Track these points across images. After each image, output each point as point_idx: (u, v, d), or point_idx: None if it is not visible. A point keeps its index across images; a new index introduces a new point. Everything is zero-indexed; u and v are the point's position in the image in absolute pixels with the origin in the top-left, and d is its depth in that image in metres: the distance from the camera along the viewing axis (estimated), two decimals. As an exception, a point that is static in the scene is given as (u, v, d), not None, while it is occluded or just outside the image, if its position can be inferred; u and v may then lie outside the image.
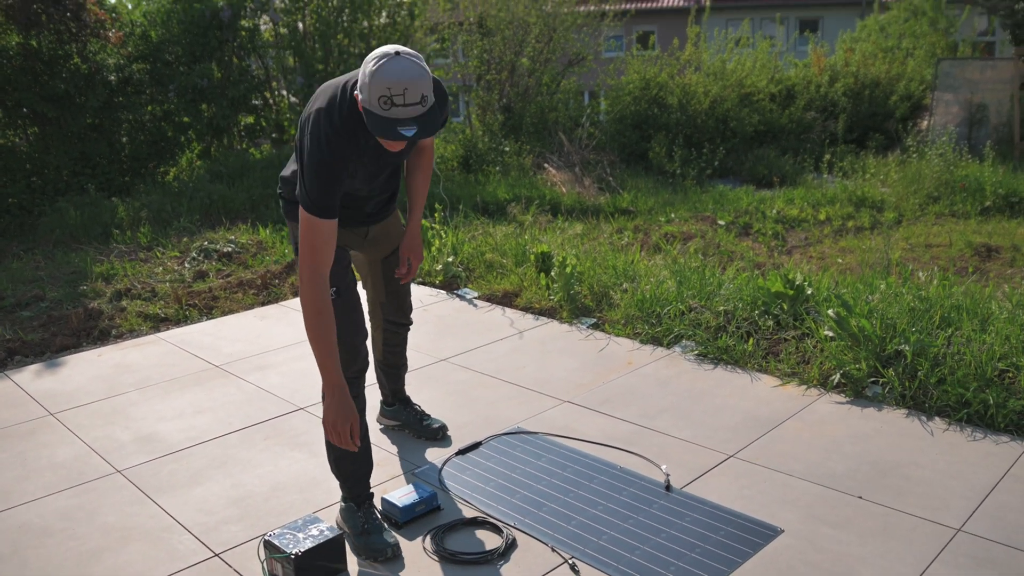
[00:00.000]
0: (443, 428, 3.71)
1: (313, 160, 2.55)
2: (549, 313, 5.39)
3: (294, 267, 3.04)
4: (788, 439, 3.58)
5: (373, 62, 2.44)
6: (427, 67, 2.47)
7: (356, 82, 2.58)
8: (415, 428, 3.72)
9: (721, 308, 4.84)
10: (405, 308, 3.54)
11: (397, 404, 3.77)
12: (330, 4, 12.66)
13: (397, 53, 2.45)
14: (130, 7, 12.33)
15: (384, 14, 13.04)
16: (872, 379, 4.01)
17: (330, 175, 2.56)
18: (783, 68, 17.19)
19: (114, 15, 11.73)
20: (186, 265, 6.96)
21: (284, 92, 13.40)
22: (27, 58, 10.78)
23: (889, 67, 16.98)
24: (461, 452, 3.56)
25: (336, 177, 2.57)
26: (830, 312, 4.27)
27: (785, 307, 4.71)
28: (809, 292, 4.74)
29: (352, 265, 3.10)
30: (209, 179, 10.74)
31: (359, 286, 3.14)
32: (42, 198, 10.84)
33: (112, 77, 11.39)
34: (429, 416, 3.76)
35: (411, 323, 3.63)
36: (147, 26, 11.84)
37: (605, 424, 3.80)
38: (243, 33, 12.31)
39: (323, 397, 2.68)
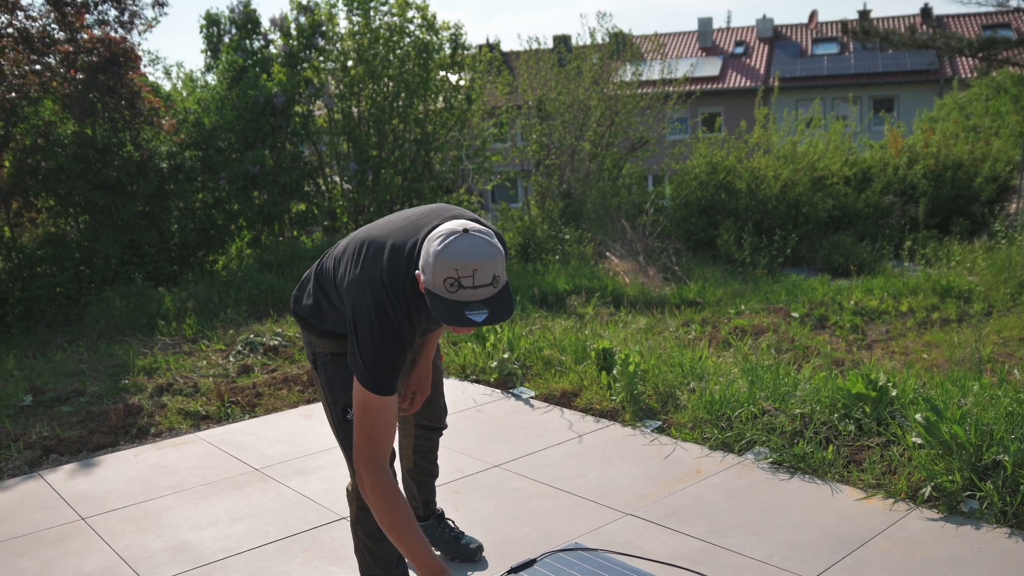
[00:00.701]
0: (480, 548, 3.55)
1: (375, 340, 2.43)
2: (611, 415, 5.26)
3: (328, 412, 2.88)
4: (875, 561, 3.38)
5: (439, 240, 2.31)
6: (500, 244, 2.35)
7: (418, 256, 2.44)
8: (450, 548, 3.56)
9: (797, 411, 4.67)
10: (437, 411, 3.41)
11: (432, 519, 3.60)
12: (385, 89, 12.94)
13: (466, 231, 2.32)
14: (184, 94, 12.72)
15: (440, 99, 13.24)
16: (967, 493, 3.80)
17: (393, 358, 2.45)
18: (857, 150, 17.04)
19: (168, 102, 12.12)
20: (231, 359, 6.99)
21: (337, 179, 13.65)
22: (81, 146, 11.19)
23: (972, 147, 16.75)
24: (513, 571, 3.42)
25: (400, 359, 2.47)
26: (918, 417, 4.09)
27: (867, 410, 4.53)
28: (893, 394, 4.55)
29: None
30: (258, 268, 10.90)
31: None
32: (89, 287, 11.10)
33: (164, 164, 11.77)
34: (464, 534, 3.61)
35: (445, 427, 3.48)
36: (200, 113, 12.23)
37: (671, 541, 3.63)
38: (296, 119, 12.64)
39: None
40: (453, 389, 5.96)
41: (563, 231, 13.48)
